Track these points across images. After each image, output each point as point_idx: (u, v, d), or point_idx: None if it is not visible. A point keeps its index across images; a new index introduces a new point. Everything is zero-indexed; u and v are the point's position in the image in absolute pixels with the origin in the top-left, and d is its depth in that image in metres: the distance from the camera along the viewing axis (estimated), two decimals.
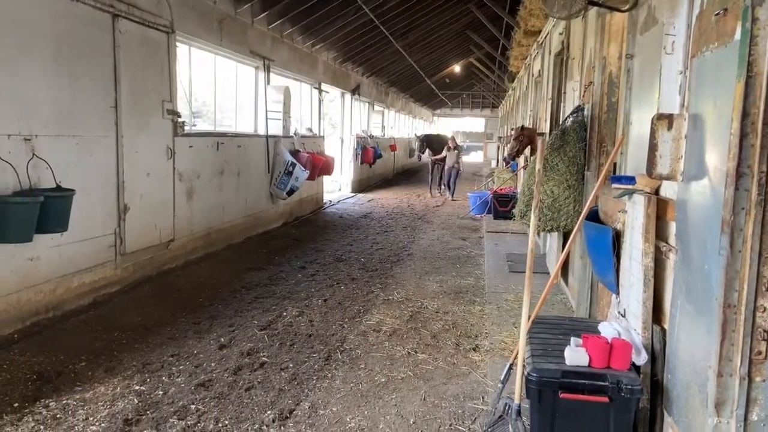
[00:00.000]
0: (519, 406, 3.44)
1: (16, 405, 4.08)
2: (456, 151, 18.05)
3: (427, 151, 19.42)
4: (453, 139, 18.70)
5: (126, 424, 3.87)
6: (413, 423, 3.99)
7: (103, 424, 3.86)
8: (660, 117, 3.06)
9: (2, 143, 5.10)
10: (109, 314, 6.12)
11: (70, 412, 4.02)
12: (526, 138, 9.47)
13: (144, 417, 3.99)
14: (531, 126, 11.42)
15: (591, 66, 5.81)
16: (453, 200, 17.41)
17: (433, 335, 5.69)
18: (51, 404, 4.12)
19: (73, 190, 5.66)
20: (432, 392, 4.45)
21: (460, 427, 3.94)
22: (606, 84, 5.26)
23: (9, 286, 5.27)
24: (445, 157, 18.21)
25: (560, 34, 8.14)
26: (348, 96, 18.91)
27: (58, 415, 3.97)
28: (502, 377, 3.76)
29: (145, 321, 5.93)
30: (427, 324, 6.02)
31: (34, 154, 5.42)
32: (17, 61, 5.31)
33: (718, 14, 2.62)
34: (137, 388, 4.42)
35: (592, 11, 5.57)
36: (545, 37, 10.29)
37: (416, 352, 5.25)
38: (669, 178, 3.07)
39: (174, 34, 7.87)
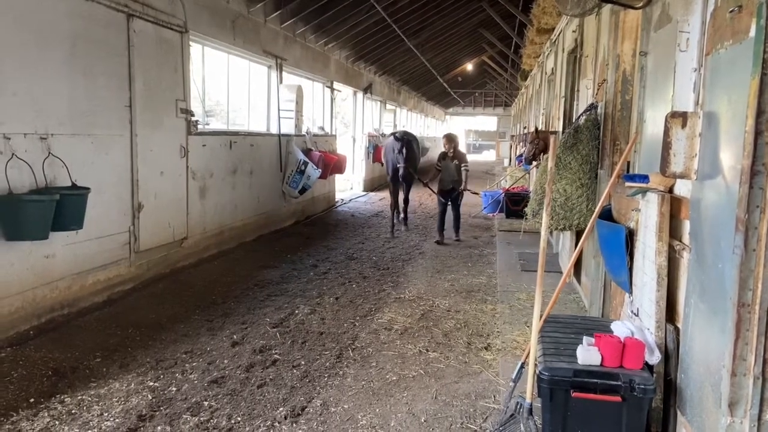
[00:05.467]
0: (531, 405, 3.43)
1: (32, 400, 4.14)
2: (455, 162, 10.48)
3: (396, 155, 11.17)
4: (449, 139, 10.75)
5: (140, 420, 3.91)
6: (424, 421, 4.00)
7: (117, 420, 3.90)
8: (674, 115, 3.04)
9: (19, 142, 5.17)
10: (123, 311, 6.18)
11: (85, 408, 4.07)
12: (542, 141, 9.42)
13: (158, 413, 4.02)
14: (544, 128, 11.36)
15: (604, 64, 5.77)
16: (457, 240, 10.68)
17: (444, 334, 5.69)
18: (66, 400, 4.17)
19: (88, 189, 5.71)
20: (443, 391, 4.46)
21: (472, 426, 3.94)
22: (619, 82, 5.22)
23: (25, 283, 5.34)
24: (439, 168, 10.66)
25: (573, 31, 8.10)
26: (360, 95, 18.93)
27: (73, 411, 4.02)
28: (513, 376, 3.75)
29: (158, 318, 5.98)
30: (438, 322, 6.02)
31: (50, 152, 5.48)
32: (34, 60, 5.37)
33: (732, 11, 2.60)
34: (151, 384, 4.46)
35: (606, 8, 5.54)
36: (558, 35, 10.24)
37: (428, 351, 5.25)
38: (683, 176, 3.05)
39: (187, 33, 7.92)
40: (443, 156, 10.71)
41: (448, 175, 10.56)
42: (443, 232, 10.66)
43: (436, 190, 10.84)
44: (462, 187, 10.58)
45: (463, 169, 10.52)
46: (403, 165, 11.01)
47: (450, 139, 10.78)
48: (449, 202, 10.72)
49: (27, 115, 5.29)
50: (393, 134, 11.81)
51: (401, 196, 11.68)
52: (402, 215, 11.92)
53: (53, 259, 5.65)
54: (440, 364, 4.96)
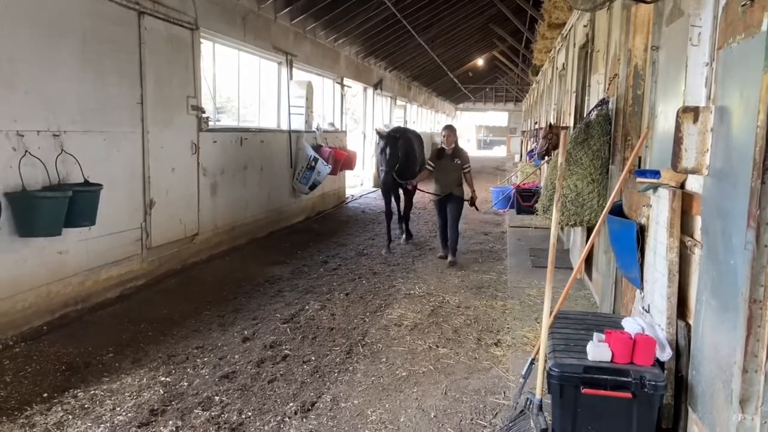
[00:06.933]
0: (540, 401, 3.43)
1: (45, 395, 4.19)
2: (456, 161, 8.25)
3: (379, 156, 9.41)
4: (451, 131, 8.45)
5: (152, 414, 3.95)
6: (434, 417, 4.00)
7: (129, 414, 3.94)
8: (685, 110, 3.01)
9: (32, 139, 5.22)
10: (135, 307, 6.24)
11: (97, 402, 4.11)
12: (555, 136, 9.35)
13: (169, 407, 4.06)
14: (558, 124, 11.31)
15: (616, 58, 5.73)
16: (453, 261, 8.40)
17: (454, 330, 5.69)
18: (79, 394, 4.21)
19: (100, 185, 5.76)
20: (453, 386, 4.46)
21: (481, 422, 3.94)
22: (631, 76, 5.18)
23: (39, 279, 5.39)
24: (431, 169, 8.48)
25: (585, 26, 8.04)
26: (370, 90, 18.90)
27: (86, 405, 4.06)
28: (523, 372, 3.74)
29: (170, 314, 6.03)
30: (448, 318, 6.02)
31: (62, 149, 5.52)
32: (46, 58, 5.41)
33: (744, 5, 2.57)
34: (163, 379, 4.50)
35: (617, 3, 5.49)
36: (570, 30, 10.18)
37: (437, 347, 5.25)
38: (694, 171, 3.02)
39: (198, 30, 7.95)
40: (439, 153, 8.41)
41: (447, 179, 8.32)
42: (448, 243, 8.60)
43: (432, 195, 8.69)
44: (471, 199, 8.50)
45: (465, 171, 8.31)
46: (385, 169, 8.76)
47: (452, 131, 8.45)
48: (445, 216, 8.49)
49: (40, 112, 5.34)
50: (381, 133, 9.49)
51: (402, 202, 9.84)
52: (403, 224, 10.06)
53: (66, 255, 5.70)
54: (450, 360, 4.96)
